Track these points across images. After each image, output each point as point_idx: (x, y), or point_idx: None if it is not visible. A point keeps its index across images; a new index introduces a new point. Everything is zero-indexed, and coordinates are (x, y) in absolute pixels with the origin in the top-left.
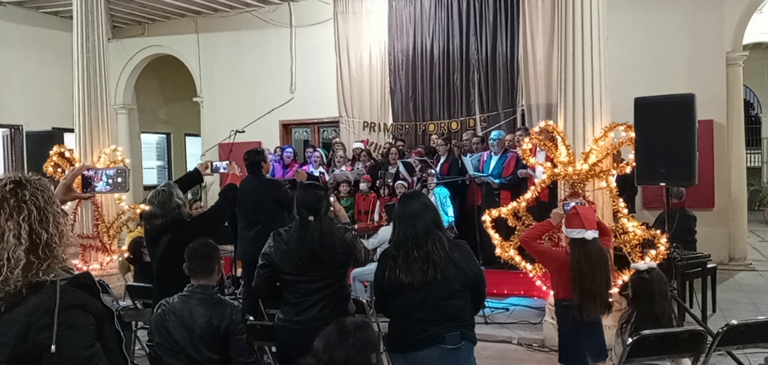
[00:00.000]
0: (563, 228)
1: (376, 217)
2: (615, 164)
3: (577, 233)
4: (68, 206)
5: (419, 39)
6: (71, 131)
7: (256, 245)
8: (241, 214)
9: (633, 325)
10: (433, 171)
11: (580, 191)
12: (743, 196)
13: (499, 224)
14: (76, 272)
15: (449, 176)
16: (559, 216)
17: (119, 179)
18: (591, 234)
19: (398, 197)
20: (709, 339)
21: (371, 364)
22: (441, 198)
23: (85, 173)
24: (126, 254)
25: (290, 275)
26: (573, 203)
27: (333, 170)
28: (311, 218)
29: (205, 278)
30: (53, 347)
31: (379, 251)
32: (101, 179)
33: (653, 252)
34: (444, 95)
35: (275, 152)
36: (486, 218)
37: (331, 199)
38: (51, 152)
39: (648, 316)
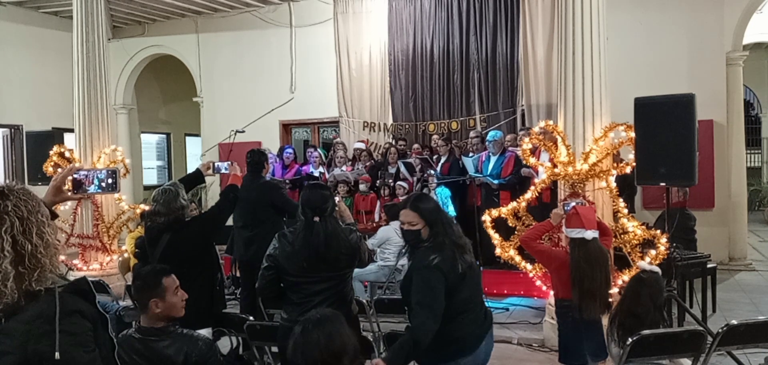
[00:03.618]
0: (563, 228)
1: (376, 217)
2: (615, 164)
3: (576, 233)
4: (68, 206)
5: (419, 39)
6: (71, 131)
7: (250, 247)
8: (238, 214)
9: (618, 321)
10: (431, 172)
11: (580, 191)
12: (743, 196)
13: (499, 224)
14: (72, 278)
15: (449, 176)
16: (559, 216)
17: (110, 181)
18: (591, 234)
19: (410, 197)
20: (709, 339)
21: (346, 343)
22: (442, 198)
23: (75, 175)
24: (132, 251)
25: (294, 276)
26: (573, 203)
27: (333, 170)
28: (316, 218)
29: (145, 315)
30: (57, 354)
31: (378, 251)
32: (92, 182)
33: (653, 252)
34: (444, 95)
35: (278, 158)
36: (486, 218)
37: (337, 199)
38: (51, 152)
39: (630, 313)
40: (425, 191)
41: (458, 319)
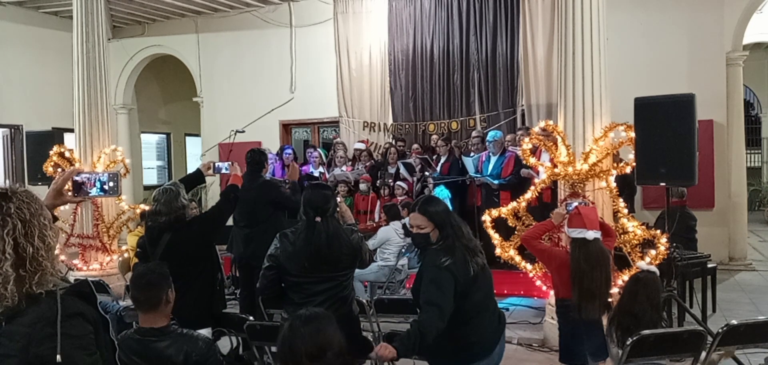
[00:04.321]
0: (565, 228)
1: (376, 217)
2: (615, 164)
3: (578, 233)
4: (68, 206)
5: (419, 39)
6: (71, 131)
7: (249, 244)
8: (238, 213)
9: (616, 321)
10: (427, 174)
11: (579, 191)
12: (743, 196)
13: (499, 224)
14: (72, 278)
15: (449, 176)
16: (560, 216)
17: (111, 184)
18: (592, 234)
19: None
20: (709, 339)
21: (330, 339)
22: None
23: (76, 177)
24: (133, 248)
25: (296, 276)
26: (575, 203)
27: (333, 170)
28: (318, 219)
29: (152, 313)
30: (59, 357)
31: (379, 251)
32: (94, 185)
33: (653, 252)
34: (444, 95)
35: (278, 158)
36: (486, 218)
37: (338, 199)
38: (51, 152)
39: (627, 312)
40: (427, 191)
41: (473, 322)
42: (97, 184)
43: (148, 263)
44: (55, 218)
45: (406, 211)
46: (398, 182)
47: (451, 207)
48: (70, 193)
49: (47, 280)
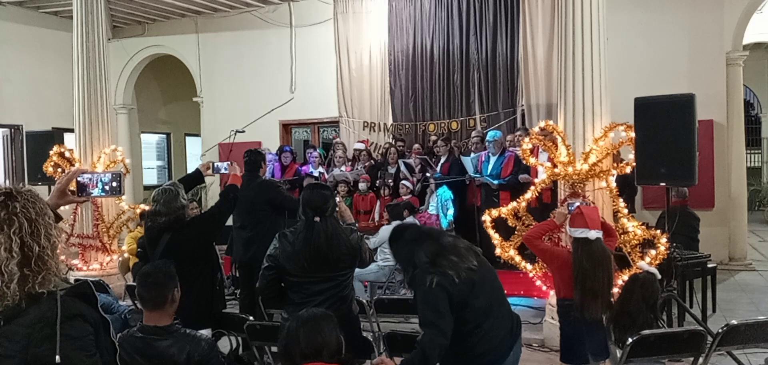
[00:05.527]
0: (566, 228)
1: (375, 217)
2: (615, 164)
3: (580, 233)
4: (68, 207)
5: (419, 39)
6: (71, 131)
7: (248, 247)
8: (237, 214)
9: (613, 320)
10: (427, 174)
11: (580, 191)
12: (743, 196)
13: (499, 224)
14: (74, 281)
15: (449, 176)
16: (562, 216)
17: (114, 184)
18: (594, 234)
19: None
20: (709, 339)
21: (326, 340)
22: (444, 200)
23: (80, 178)
24: (131, 250)
25: (295, 276)
26: (577, 203)
27: (332, 170)
28: (317, 218)
29: (157, 312)
30: (58, 358)
31: (379, 251)
32: (97, 186)
33: (653, 252)
34: (444, 95)
35: (276, 153)
36: (486, 218)
37: (337, 199)
38: (51, 152)
39: (623, 311)
40: (428, 191)
41: (480, 330)
42: (99, 184)
43: (155, 262)
44: (59, 218)
45: (406, 212)
46: (402, 181)
47: (452, 208)
48: (71, 193)
49: (50, 280)
